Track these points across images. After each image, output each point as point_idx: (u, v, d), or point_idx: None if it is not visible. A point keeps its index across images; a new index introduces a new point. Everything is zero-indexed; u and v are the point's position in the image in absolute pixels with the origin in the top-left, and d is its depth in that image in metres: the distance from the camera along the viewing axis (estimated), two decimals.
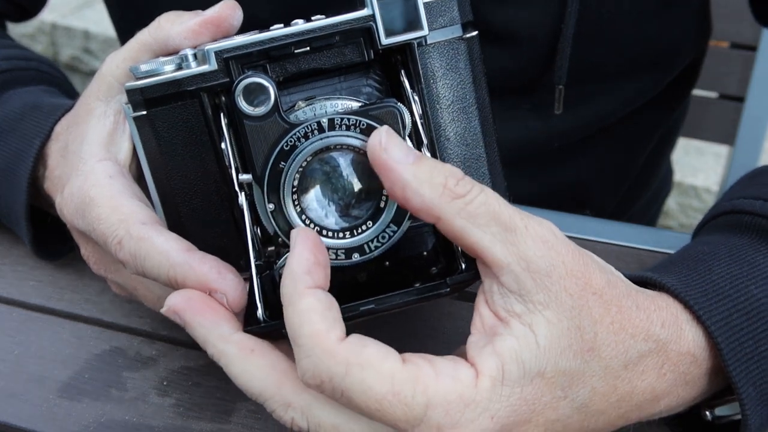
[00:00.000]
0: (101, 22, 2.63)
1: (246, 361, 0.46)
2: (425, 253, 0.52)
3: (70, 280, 0.68)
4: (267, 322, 0.48)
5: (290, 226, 0.48)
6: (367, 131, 0.47)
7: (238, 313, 0.49)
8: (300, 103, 0.50)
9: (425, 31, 0.50)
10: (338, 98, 0.50)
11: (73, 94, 0.73)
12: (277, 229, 0.48)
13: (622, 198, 1.02)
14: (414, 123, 0.50)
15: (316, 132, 0.47)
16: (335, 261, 0.48)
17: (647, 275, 0.52)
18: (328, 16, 0.50)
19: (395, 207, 0.48)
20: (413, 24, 0.50)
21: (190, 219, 0.54)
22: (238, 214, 0.51)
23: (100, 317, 0.66)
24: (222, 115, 0.51)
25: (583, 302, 0.45)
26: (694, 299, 0.49)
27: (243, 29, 0.54)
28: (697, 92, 1.16)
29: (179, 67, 0.51)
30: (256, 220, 0.50)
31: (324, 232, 0.48)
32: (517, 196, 0.73)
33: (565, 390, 0.45)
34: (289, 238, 0.47)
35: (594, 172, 0.95)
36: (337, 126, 0.47)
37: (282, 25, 0.50)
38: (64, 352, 0.63)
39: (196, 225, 0.54)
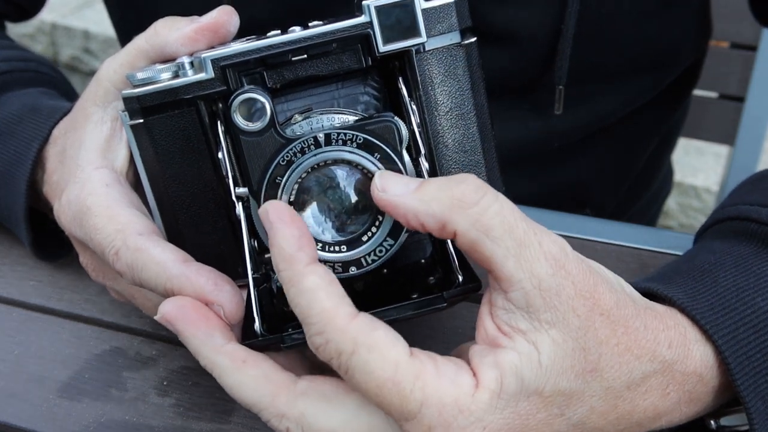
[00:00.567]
0: (101, 22, 2.63)
1: (238, 372, 0.46)
2: (423, 260, 0.52)
3: (70, 280, 0.68)
4: (264, 335, 0.48)
5: None
6: (364, 146, 0.47)
7: (236, 324, 0.49)
8: (296, 116, 0.50)
9: (423, 38, 0.50)
10: (335, 111, 0.50)
11: (72, 95, 0.73)
12: None
13: (623, 198, 1.02)
14: (411, 131, 0.50)
15: (312, 147, 0.47)
16: None
17: (654, 287, 0.51)
18: (325, 22, 0.50)
19: (392, 221, 0.48)
20: (411, 31, 0.50)
21: (187, 226, 0.54)
22: (236, 222, 0.51)
23: (100, 317, 0.66)
24: (219, 123, 0.51)
25: (590, 323, 0.45)
26: (702, 314, 0.49)
27: (241, 31, 0.54)
28: (697, 92, 1.16)
29: (176, 75, 0.51)
30: (252, 231, 0.50)
31: (320, 245, 0.48)
32: (517, 196, 0.73)
33: (562, 408, 0.45)
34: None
35: (594, 173, 0.95)
36: (334, 141, 0.47)
37: (279, 32, 0.50)
38: (64, 352, 0.63)
39: (193, 232, 0.54)
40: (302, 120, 0.50)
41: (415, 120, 0.50)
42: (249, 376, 0.46)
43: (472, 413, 0.43)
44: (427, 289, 0.50)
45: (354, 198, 0.48)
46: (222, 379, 0.46)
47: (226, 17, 0.53)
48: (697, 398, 0.49)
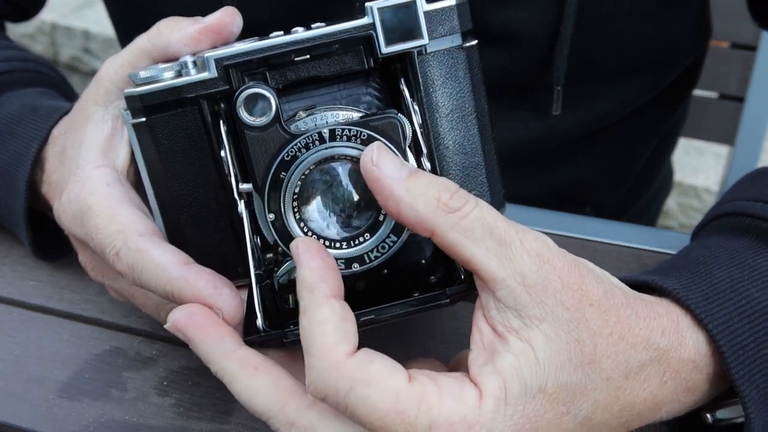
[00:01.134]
0: (101, 22, 2.63)
1: (249, 378, 0.46)
2: (423, 261, 0.52)
3: (70, 280, 0.68)
4: (267, 331, 0.48)
5: (290, 236, 0.48)
6: (368, 142, 0.47)
7: (237, 325, 0.48)
8: (301, 113, 0.50)
9: (425, 40, 0.50)
10: (339, 108, 0.50)
11: (71, 95, 0.73)
12: (277, 239, 0.48)
13: (622, 198, 1.02)
14: (414, 132, 0.50)
15: (317, 142, 0.47)
16: None
17: (648, 278, 0.52)
18: (328, 23, 0.50)
19: None
20: (413, 33, 0.50)
21: (189, 225, 0.54)
22: (237, 222, 0.51)
23: (100, 317, 0.66)
24: (221, 122, 0.51)
25: (581, 315, 0.45)
26: (696, 303, 0.49)
27: (244, 31, 0.54)
28: (697, 92, 1.16)
29: (179, 74, 0.51)
30: (255, 228, 0.50)
31: (324, 242, 0.48)
32: (517, 196, 0.74)
33: (568, 405, 0.45)
34: (289, 248, 0.47)
35: (594, 173, 0.95)
36: (338, 137, 0.47)
37: (282, 33, 0.50)
38: (64, 352, 0.63)
39: (195, 232, 0.54)
40: (306, 116, 0.50)
41: (416, 120, 0.51)
42: (260, 382, 0.46)
43: (482, 425, 0.43)
44: (428, 288, 0.50)
45: (358, 193, 0.48)
46: (232, 385, 0.46)
47: (229, 18, 0.53)
48: (694, 387, 0.50)
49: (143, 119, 0.52)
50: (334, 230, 0.48)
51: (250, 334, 0.48)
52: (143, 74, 0.51)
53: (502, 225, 0.44)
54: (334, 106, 0.50)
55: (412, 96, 0.51)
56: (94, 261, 0.58)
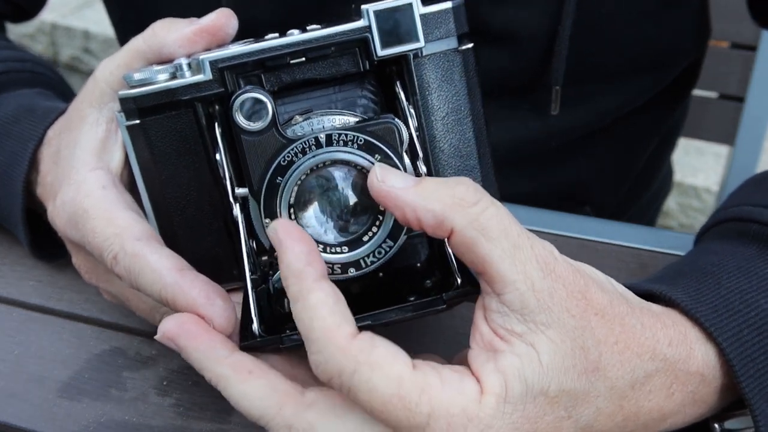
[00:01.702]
0: (101, 22, 2.63)
1: (244, 383, 0.45)
2: (419, 264, 0.52)
3: (70, 280, 0.68)
4: (263, 336, 0.47)
5: None
6: (365, 147, 0.46)
7: (229, 335, 0.48)
8: (297, 117, 0.50)
9: (421, 43, 0.50)
10: (335, 113, 0.50)
11: (69, 96, 0.73)
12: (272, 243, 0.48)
13: (622, 198, 1.02)
14: (409, 135, 0.50)
15: (313, 147, 0.47)
16: (330, 276, 0.48)
17: (655, 288, 0.51)
18: (324, 26, 0.50)
19: (392, 222, 0.48)
20: (409, 35, 0.50)
21: (182, 228, 0.53)
22: (232, 225, 0.51)
23: (100, 317, 0.66)
24: (216, 124, 0.51)
25: (586, 323, 0.45)
26: (705, 316, 0.49)
27: (241, 31, 0.54)
28: (697, 92, 1.16)
29: (173, 76, 0.50)
30: (250, 232, 0.50)
31: (321, 247, 0.48)
32: (517, 196, 0.74)
33: (569, 410, 0.45)
34: None
35: (594, 172, 0.95)
36: (335, 141, 0.46)
37: (277, 35, 0.50)
38: (64, 352, 0.63)
39: (188, 234, 0.54)
40: (303, 121, 0.50)
41: (412, 124, 0.51)
42: (254, 386, 0.45)
43: (481, 420, 0.43)
44: (424, 292, 0.50)
45: (354, 198, 0.48)
46: (227, 390, 0.46)
47: (224, 20, 0.52)
48: (701, 399, 0.49)
49: (137, 121, 0.51)
50: (331, 235, 0.48)
51: (246, 340, 0.48)
52: (138, 76, 0.51)
53: (516, 228, 0.44)
54: (331, 111, 0.50)
55: (407, 99, 0.51)
56: (88, 264, 0.58)
